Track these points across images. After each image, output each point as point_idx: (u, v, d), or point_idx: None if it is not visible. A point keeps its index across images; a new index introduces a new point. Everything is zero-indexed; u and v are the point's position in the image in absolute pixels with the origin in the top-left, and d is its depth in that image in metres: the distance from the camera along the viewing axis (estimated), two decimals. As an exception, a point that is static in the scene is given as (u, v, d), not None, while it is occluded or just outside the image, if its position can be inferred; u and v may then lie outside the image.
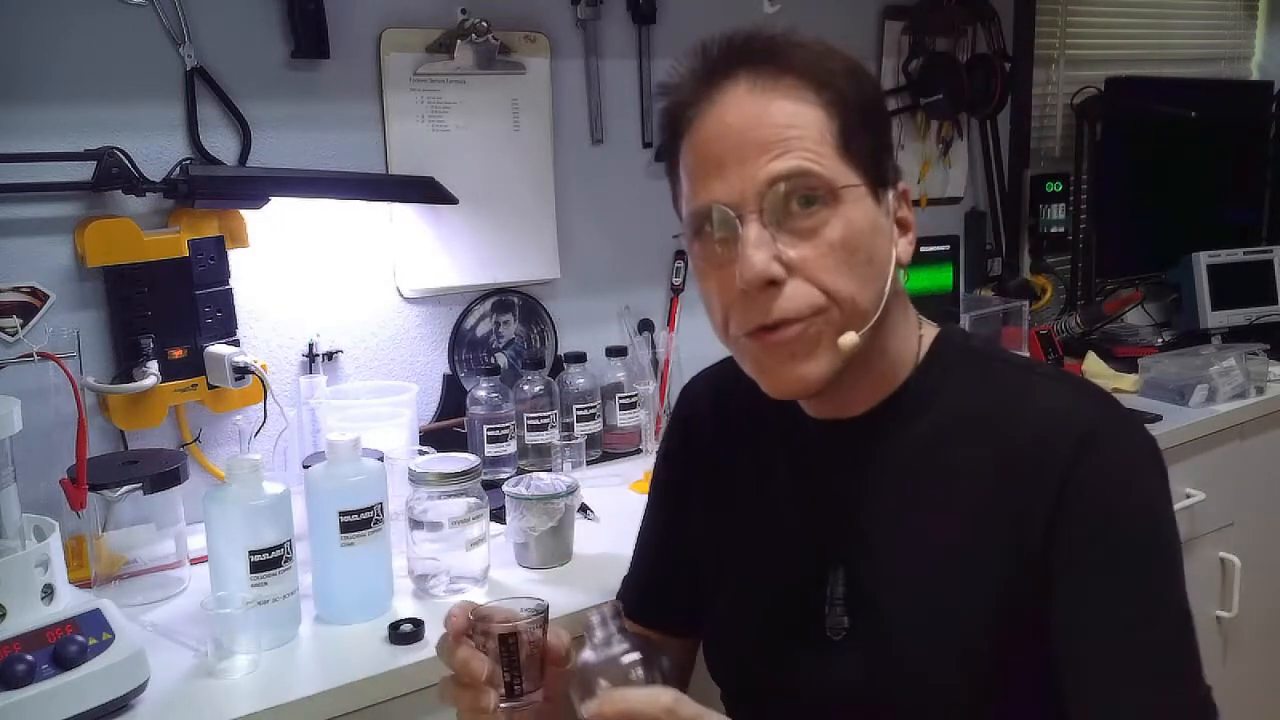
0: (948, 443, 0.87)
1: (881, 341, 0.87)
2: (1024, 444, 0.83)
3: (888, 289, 0.84)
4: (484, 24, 1.66)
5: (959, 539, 0.84)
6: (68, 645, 0.99)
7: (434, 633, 1.16)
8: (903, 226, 0.88)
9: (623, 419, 1.80)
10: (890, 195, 0.86)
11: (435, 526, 1.26)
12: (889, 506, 0.88)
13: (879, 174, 0.84)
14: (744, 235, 0.81)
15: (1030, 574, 0.81)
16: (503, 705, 0.82)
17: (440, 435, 1.69)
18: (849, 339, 0.82)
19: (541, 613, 0.84)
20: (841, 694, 0.88)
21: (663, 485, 1.09)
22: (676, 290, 1.99)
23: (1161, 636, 0.80)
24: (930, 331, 0.92)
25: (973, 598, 0.83)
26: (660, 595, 1.07)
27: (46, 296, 1.39)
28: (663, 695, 0.72)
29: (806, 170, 0.80)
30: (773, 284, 0.81)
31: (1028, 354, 2.18)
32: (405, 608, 1.24)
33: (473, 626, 0.82)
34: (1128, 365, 2.22)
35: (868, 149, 0.83)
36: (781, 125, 0.81)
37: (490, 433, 1.65)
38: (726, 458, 1.00)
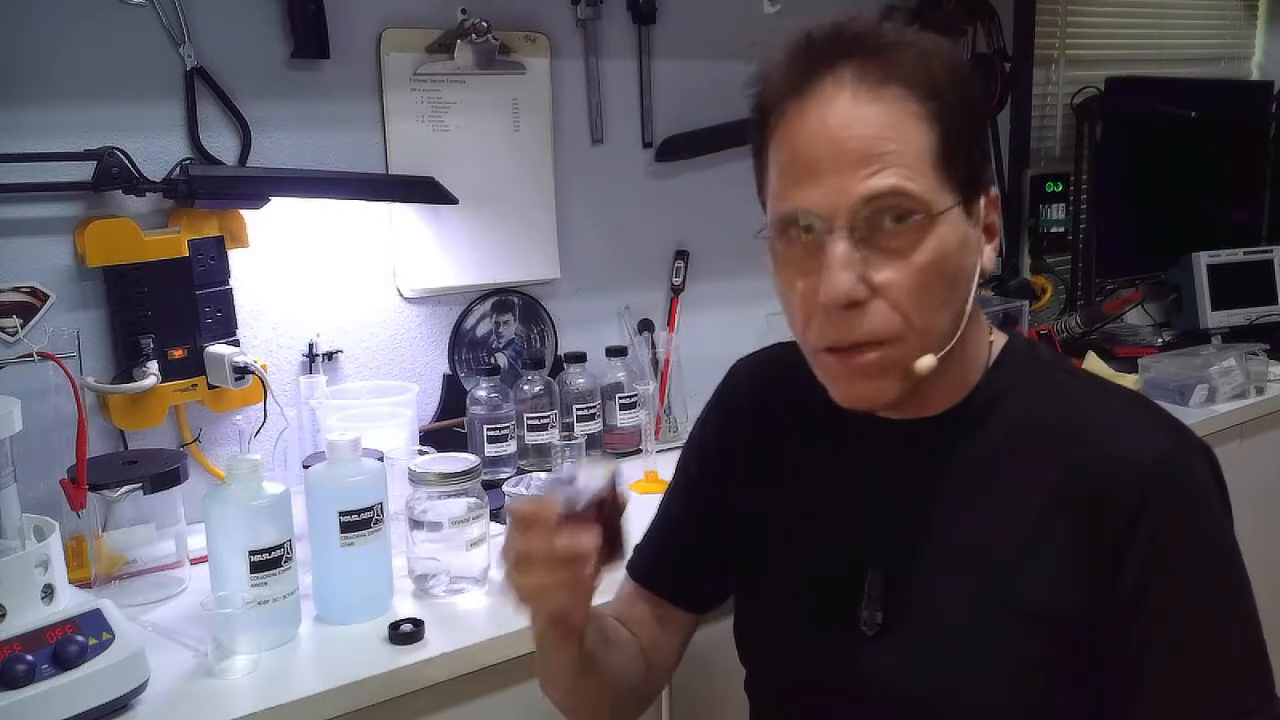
0: (1008, 452, 0.86)
1: (959, 349, 0.85)
2: (1090, 466, 0.82)
3: (969, 305, 0.83)
4: (484, 24, 1.66)
5: (1010, 549, 0.83)
6: (68, 645, 0.99)
7: (434, 633, 1.17)
8: (989, 233, 0.86)
9: (623, 419, 1.80)
10: (982, 204, 0.84)
11: (435, 526, 1.26)
12: (939, 510, 0.87)
13: (974, 186, 0.82)
14: (831, 251, 0.78)
15: (1087, 593, 0.81)
16: (606, 567, 0.83)
17: (440, 435, 1.69)
18: (926, 362, 0.81)
19: (615, 472, 0.85)
20: (869, 689, 0.88)
21: (695, 464, 1.07)
22: (676, 290, 1.99)
23: (1230, 655, 0.81)
24: (1000, 339, 0.91)
25: (1020, 609, 0.82)
26: (675, 568, 1.06)
27: (46, 296, 1.39)
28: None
29: (903, 190, 0.77)
30: (855, 304, 0.79)
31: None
32: (405, 608, 1.24)
33: (565, 512, 0.81)
34: (1128, 365, 2.22)
35: (966, 163, 0.81)
36: (883, 137, 0.77)
37: (490, 433, 1.65)
38: (770, 446, 0.99)
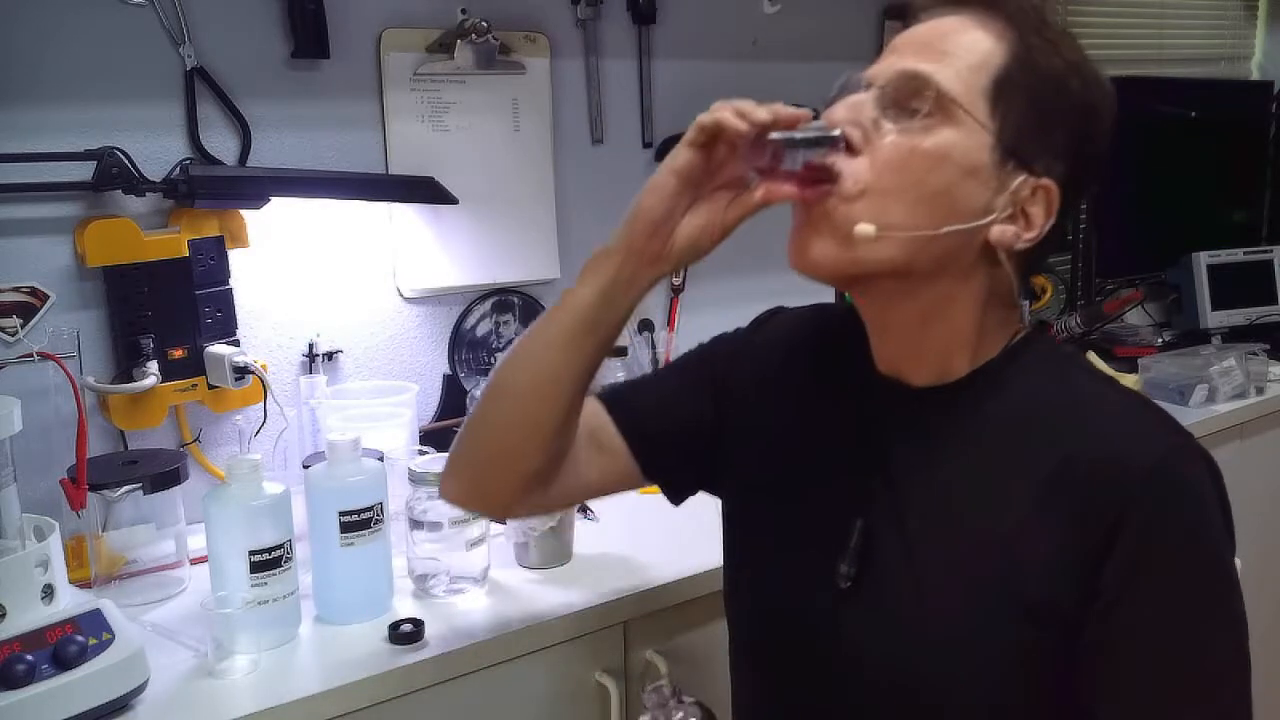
0: (1010, 433, 0.86)
1: (957, 319, 0.87)
2: (1089, 459, 0.82)
3: (944, 233, 0.82)
4: (484, 24, 1.65)
5: (999, 530, 0.83)
6: (68, 645, 0.99)
7: (434, 633, 1.17)
8: (1022, 219, 0.85)
9: (623, 419, 1.80)
10: (1021, 178, 0.84)
11: (435, 526, 1.26)
12: (934, 478, 0.88)
13: (1017, 146, 0.83)
14: (853, 97, 0.85)
15: (1070, 584, 0.81)
16: (748, 187, 0.87)
17: (440, 435, 1.69)
18: (864, 229, 0.82)
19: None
20: (837, 642, 0.89)
21: (704, 366, 1.08)
22: (676, 290, 1.99)
23: (1207, 666, 0.81)
24: (1024, 330, 0.92)
25: (1000, 590, 0.82)
26: (644, 417, 1.06)
27: (46, 296, 1.39)
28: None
29: (933, 78, 0.82)
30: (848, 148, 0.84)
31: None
32: (405, 608, 1.24)
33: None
34: (1128, 365, 2.22)
35: (1020, 116, 0.83)
36: (953, 42, 0.84)
37: (490, 433, 1.65)
38: (783, 394, 1.00)
